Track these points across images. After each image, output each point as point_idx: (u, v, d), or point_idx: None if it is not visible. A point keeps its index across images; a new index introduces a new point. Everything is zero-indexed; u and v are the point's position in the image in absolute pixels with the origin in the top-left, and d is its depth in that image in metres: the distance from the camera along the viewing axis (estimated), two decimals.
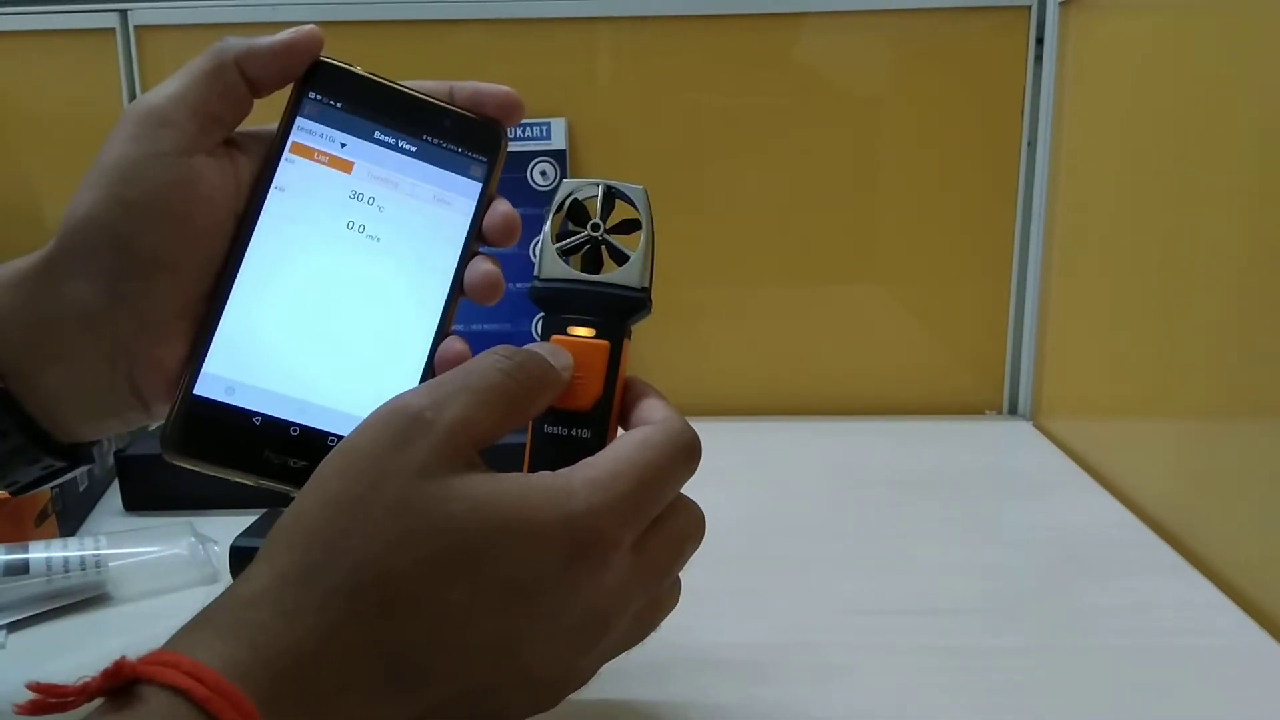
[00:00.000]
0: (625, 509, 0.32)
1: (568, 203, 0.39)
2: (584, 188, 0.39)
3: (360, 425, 0.32)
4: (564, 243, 0.39)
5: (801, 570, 0.57)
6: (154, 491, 0.66)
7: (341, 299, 0.39)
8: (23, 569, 0.51)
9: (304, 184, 0.39)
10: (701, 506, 0.36)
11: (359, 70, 0.40)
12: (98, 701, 0.27)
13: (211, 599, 0.30)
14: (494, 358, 0.34)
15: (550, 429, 0.37)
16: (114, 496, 0.67)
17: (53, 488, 0.59)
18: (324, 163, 0.39)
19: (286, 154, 0.39)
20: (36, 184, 0.89)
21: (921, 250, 0.87)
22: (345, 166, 0.39)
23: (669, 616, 0.37)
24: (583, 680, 0.35)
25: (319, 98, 0.39)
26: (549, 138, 0.85)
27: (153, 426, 0.41)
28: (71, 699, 0.26)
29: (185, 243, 0.37)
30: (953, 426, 0.85)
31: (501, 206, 0.41)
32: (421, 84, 0.41)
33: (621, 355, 0.37)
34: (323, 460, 0.32)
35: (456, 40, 0.85)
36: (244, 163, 0.39)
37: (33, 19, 0.86)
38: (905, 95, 0.85)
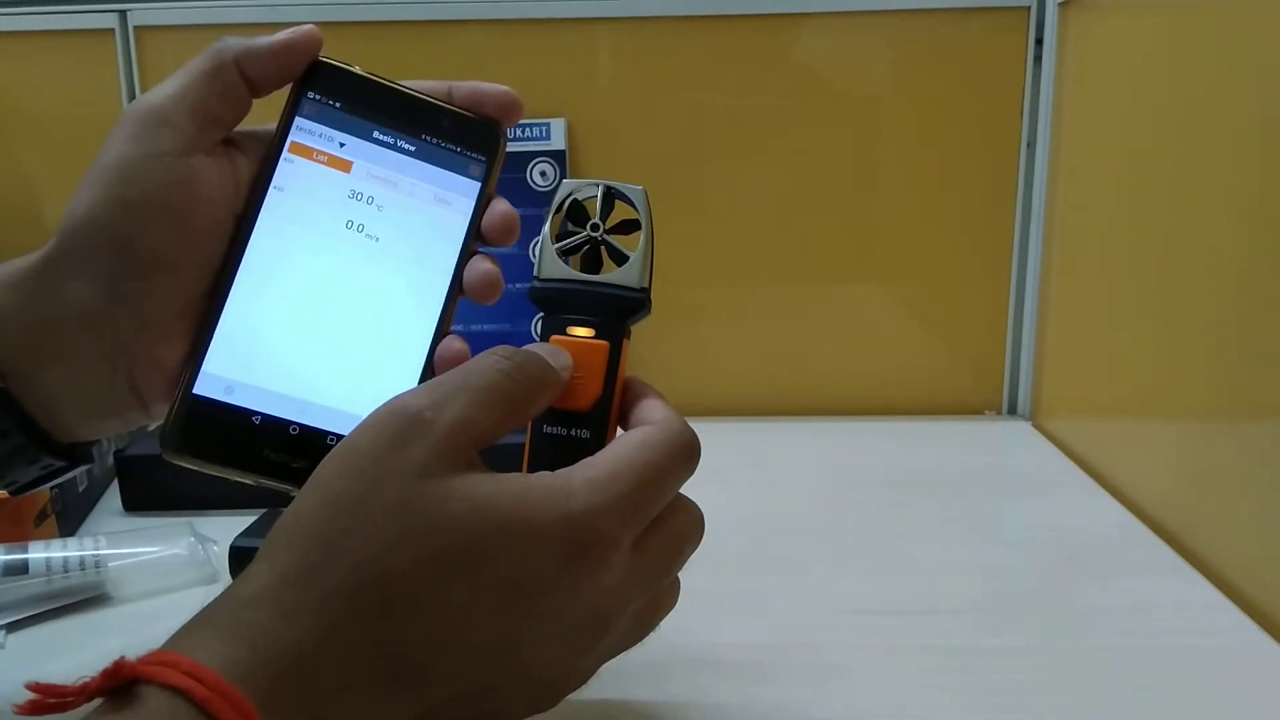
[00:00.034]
0: (624, 509, 0.32)
1: (567, 203, 0.39)
2: (584, 188, 0.39)
3: (360, 425, 0.32)
4: (563, 243, 0.39)
5: (801, 570, 0.57)
6: (153, 491, 0.66)
7: (341, 298, 0.39)
8: (22, 569, 0.51)
9: (303, 183, 0.39)
10: (701, 506, 0.36)
11: (358, 70, 0.40)
12: (97, 701, 0.27)
13: (211, 599, 0.30)
14: (493, 358, 0.34)
15: (549, 429, 0.37)
16: (113, 496, 0.67)
17: (52, 487, 0.59)
18: (323, 162, 0.39)
19: (285, 154, 0.39)
20: (36, 184, 0.89)
21: (921, 250, 0.87)
22: (344, 166, 0.39)
23: (668, 616, 0.37)
24: (582, 680, 0.35)
25: (318, 97, 0.39)
26: (548, 138, 0.85)
27: (152, 427, 0.41)
28: (71, 699, 0.26)
29: (185, 242, 0.37)
30: (952, 427, 0.85)
31: (500, 206, 0.41)
32: (420, 84, 0.41)
33: (621, 355, 0.37)
34: (322, 460, 0.32)
35: (456, 40, 0.85)
36: (243, 162, 0.39)
37: (32, 19, 0.86)
38: (905, 95, 0.85)
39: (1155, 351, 0.66)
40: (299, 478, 0.36)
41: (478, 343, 0.37)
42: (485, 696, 0.32)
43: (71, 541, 0.54)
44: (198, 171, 0.37)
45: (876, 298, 0.88)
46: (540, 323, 0.38)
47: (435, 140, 0.40)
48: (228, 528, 0.54)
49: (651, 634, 0.36)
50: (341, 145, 0.39)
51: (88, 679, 0.26)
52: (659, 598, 0.36)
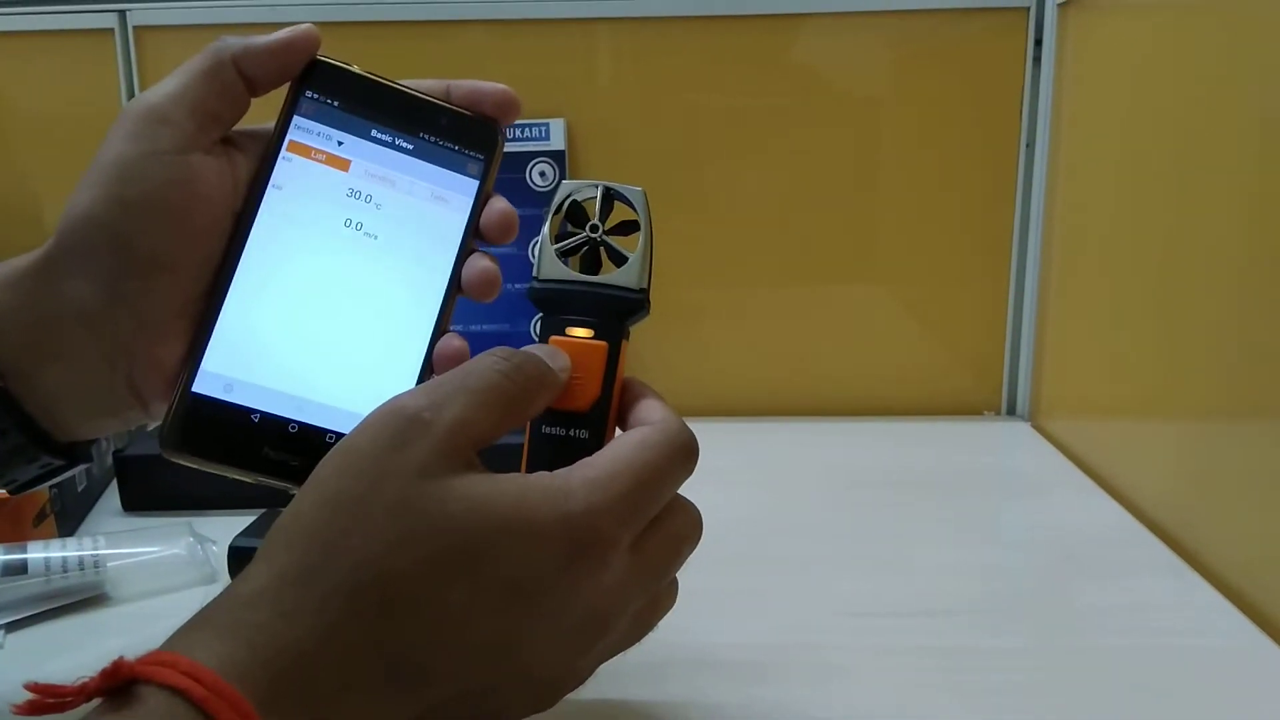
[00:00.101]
0: (623, 509, 0.32)
1: (567, 204, 0.39)
2: (583, 189, 0.39)
3: (358, 426, 0.32)
4: (563, 244, 0.39)
5: (800, 571, 0.57)
6: (152, 491, 0.66)
7: (339, 296, 0.39)
8: (21, 569, 0.51)
9: (301, 182, 0.39)
10: (700, 507, 0.36)
11: (356, 69, 0.40)
12: (96, 701, 0.27)
13: (210, 599, 0.30)
14: (492, 359, 0.34)
15: (548, 429, 0.37)
16: (112, 496, 0.67)
17: (51, 487, 0.59)
18: (321, 161, 0.39)
19: (284, 152, 0.39)
20: (35, 184, 0.89)
21: (920, 251, 0.87)
22: (342, 164, 0.39)
23: (667, 616, 0.37)
24: (581, 680, 0.35)
25: (316, 96, 0.39)
26: (548, 138, 0.85)
27: (151, 426, 0.41)
28: (70, 699, 0.26)
29: (183, 241, 0.37)
30: (951, 427, 0.85)
31: (499, 204, 0.41)
32: (419, 82, 0.41)
33: (620, 356, 0.37)
34: (321, 461, 0.32)
35: (456, 40, 0.85)
36: (242, 161, 0.39)
37: (32, 19, 0.86)
38: (904, 96, 0.85)
39: (1154, 352, 0.66)
40: (298, 475, 0.36)
41: (477, 343, 0.37)
42: (485, 696, 0.32)
43: (70, 541, 0.54)
44: (196, 170, 0.37)
45: (876, 298, 0.88)
46: (539, 323, 0.38)
47: (433, 139, 0.40)
48: (227, 528, 0.54)
49: (650, 634, 0.36)
50: (340, 144, 0.40)
51: (86, 679, 0.26)
52: (658, 598, 0.36)
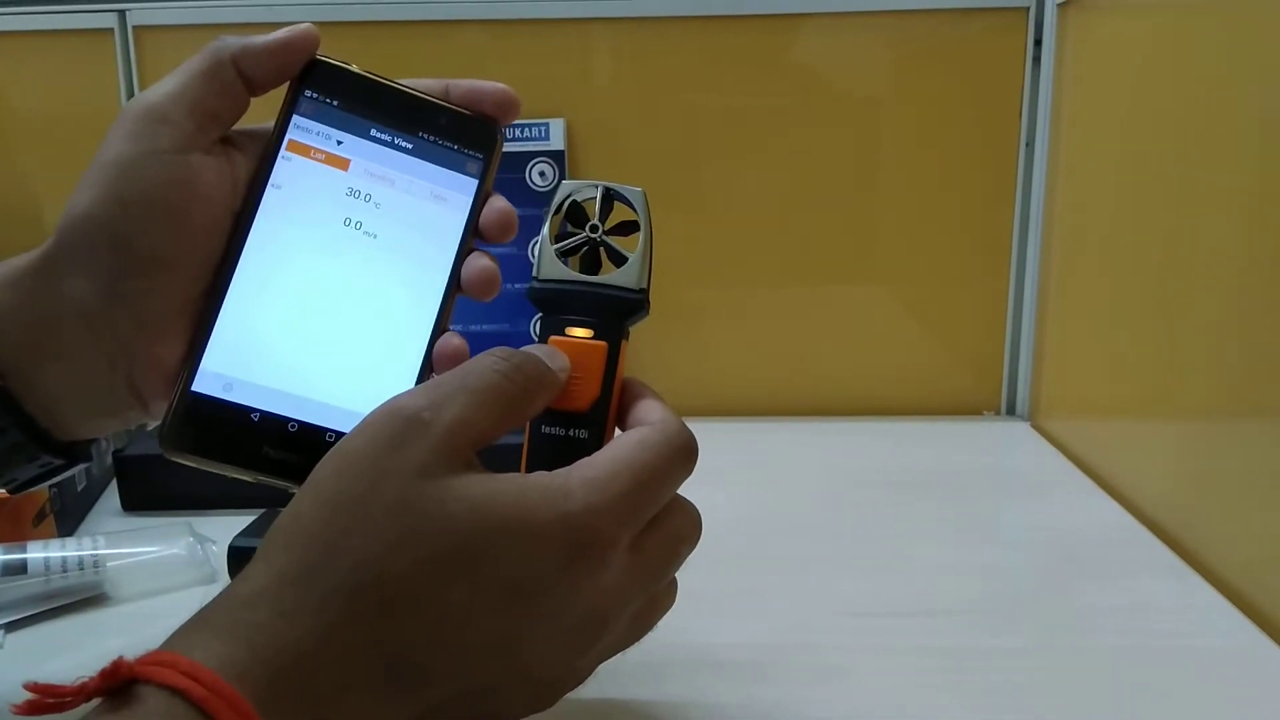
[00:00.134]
0: (622, 509, 0.32)
1: (566, 204, 0.39)
2: (583, 189, 0.39)
3: (358, 427, 0.32)
4: (563, 244, 0.39)
5: (800, 571, 0.57)
6: (152, 491, 0.66)
7: (339, 295, 0.39)
8: (21, 569, 0.51)
9: (301, 181, 0.39)
10: (699, 507, 0.36)
11: (355, 68, 0.40)
12: (95, 701, 0.27)
13: (210, 599, 0.30)
14: (491, 359, 0.34)
15: (548, 429, 0.37)
16: (112, 496, 0.67)
17: (50, 486, 0.59)
18: (320, 160, 0.39)
19: (283, 152, 0.39)
20: (35, 184, 0.89)
21: (920, 251, 0.87)
22: (342, 164, 0.39)
23: (666, 616, 0.37)
24: (580, 679, 0.35)
25: (315, 96, 0.39)
26: (547, 138, 0.85)
27: (151, 426, 0.41)
28: (69, 699, 0.26)
29: (183, 240, 0.37)
30: (951, 427, 0.85)
31: (498, 202, 0.41)
32: (418, 82, 0.41)
33: (619, 356, 0.37)
34: (320, 461, 0.32)
35: (455, 40, 0.85)
36: (241, 161, 0.39)
37: (31, 19, 0.86)
38: (904, 96, 0.85)
39: (1154, 352, 0.66)
40: (298, 474, 0.36)
41: (477, 343, 0.37)
42: (484, 696, 0.32)
43: (70, 541, 0.54)
44: (196, 169, 0.37)
45: (875, 298, 0.88)
46: (539, 323, 0.38)
47: (433, 138, 0.40)
48: (226, 527, 0.54)
49: (649, 634, 0.36)
50: (339, 143, 0.40)
51: (86, 679, 0.26)
52: (657, 598, 0.36)
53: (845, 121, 0.85)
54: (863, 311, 0.88)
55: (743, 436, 0.82)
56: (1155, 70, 0.66)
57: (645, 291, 0.38)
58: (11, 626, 0.50)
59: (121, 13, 0.86)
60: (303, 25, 0.39)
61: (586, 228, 0.39)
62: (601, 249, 0.39)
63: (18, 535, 0.55)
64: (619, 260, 0.38)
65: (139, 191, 0.36)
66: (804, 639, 0.49)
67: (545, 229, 0.39)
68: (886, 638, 0.49)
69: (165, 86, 0.37)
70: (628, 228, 0.39)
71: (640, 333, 0.38)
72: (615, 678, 0.41)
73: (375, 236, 0.40)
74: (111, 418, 0.39)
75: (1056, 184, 0.82)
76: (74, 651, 0.48)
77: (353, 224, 0.39)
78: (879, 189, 0.86)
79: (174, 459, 0.37)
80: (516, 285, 0.81)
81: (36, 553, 0.52)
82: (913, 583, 0.55)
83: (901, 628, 0.50)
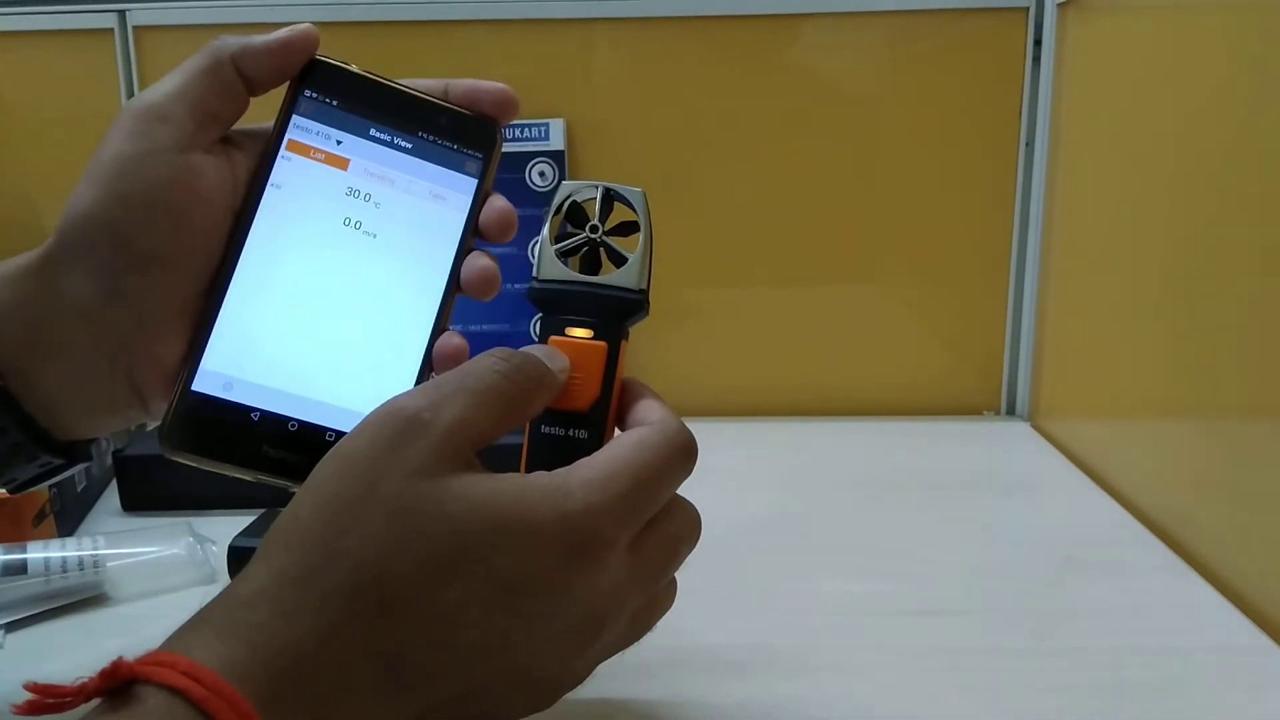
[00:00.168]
0: (621, 509, 0.32)
1: (566, 204, 0.39)
2: (583, 190, 0.39)
3: (357, 427, 0.32)
4: (563, 244, 0.39)
5: (799, 570, 0.57)
6: (152, 491, 0.66)
7: (339, 295, 0.39)
8: (21, 569, 0.51)
9: (300, 181, 0.39)
10: (699, 507, 0.36)
11: (354, 68, 0.40)
12: (95, 701, 0.27)
13: (210, 599, 0.30)
14: (491, 359, 0.34)
15: (548, 429, 0.37)
16: (112, 496, 0.67)
17: (50, 486, 0.59)
18: (320, 160, 0.39)
19: (283, 151, 0.39)
20: (35, 183, 0.89)
21: (920, 251, 0.87)
22: (341, 163, 0.39)
23: (665, 616, 0.37)
24: (579, 679, 0.35)
25: (315, 95, 0.39)
26: (547, 138, 0.85)
27: (151, 426, 0.41)
28: (69, 699, 0.26)
29: (183, 239, 0.37)
30: (951, 427, 0.85)
31: (498, 202, 0.41)
32: (417, 82, 0.41)
33: (619, 356, 0.37)
34: (320, 462, 0.32)
35: (455, 40, 0.85)
36: (241, 160, 0.39)
37: (31, 19, 0.86)
38: (904, 96, 0.85)
39: (1154, 352, 0.66)
40: (298, 474, 0.36)
41: (477, 343, 0.38)
42: (484, 696, 0.32)
43: (70, 541, 0.54)
44: (196, 169, 0.37)
45: (875, 298, 0.88)
46: (539, 323, 0.38)
47: (432, 137, 0.40)
48: (226, 528, 0.54)
49: (648, 634, 0.36)
50: (339, 143, 0.40)
51: (86, 679, 0.26)
52: (656, 598, 0.36)
53: (845, 121, 0.85)
54: (862, 311, 0.88)
55: (742, 437, 0.82)
56: (1155, 70, 0.66)
57: (645, 292, 0.38)
58: (11, 626, 0.50)
59: (121, 13, 0.86)
60: (302, 25, 0.39)
61: (586, 228, 0.39)
62: (601, 249, 0.39)
63: (18, 535, 0.55)
64: (619, 260, 0.38)
65: (139, 190, 0.36)
66: (803, 639, 0.49)
67: (545, 229, 0.39)
68: (886, 637, 0.49)
69: (165, 86, 0.37)
70: (628, 228, 0.39)
71: (640, 333, 0.38)
72: (614, 678, 0.41)
73: (375, 236, 0.40)
74: (111, 417, 0.39)
75: (1056, 184, 0.82)
76: (74, 652, 0.48)
77: (352, 223, 0.39)
78: (879, 189, 0.86)
79: (174, 458, 0.37)
80: (516, 285, 0.81)
81: (36, 553, 0.52)
82: (913, 583, 0.55)
83: (901, 627, 0.50)
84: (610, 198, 0.39)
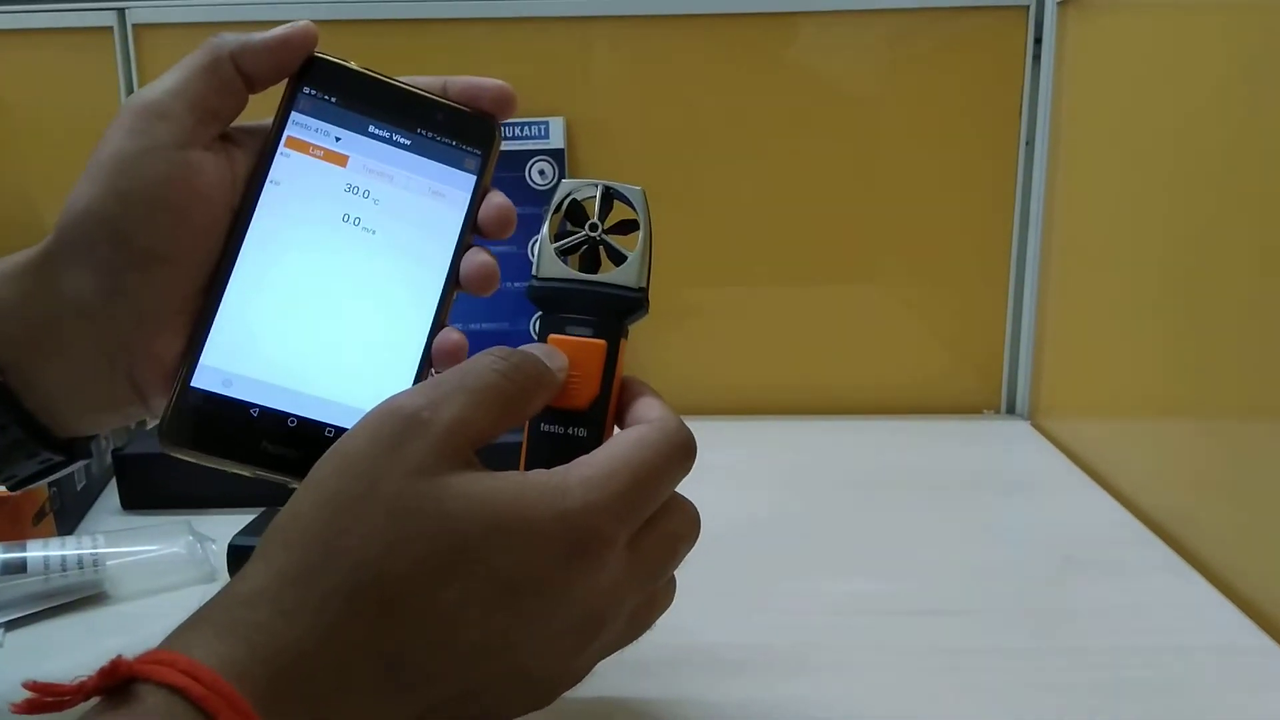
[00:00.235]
0: (620, 507, 0.32)
1: (566, 203, 0.39)
2: (582, 188, 0.39)
3: (356, 426, 0.32)
4: (562, 242, 0.39)
5: (799, 570, 0.57)
6: (152, 490, 0.66)
7: (338, 291, 0.39)
8: (20, 568, 0.51)
9: (299, 178, 0.39)
10: (698, 506, 0.36)
11: (353, 65, 0.40)
12: (94, 700, 0.27)
13: (209, 598, 0.30)
14: (490, 358, 0.34)
15: (547, 427, 0.37)
16: (112, 495, 0.67)
17: (50, 485, 0.59)
18: (319, 157, 0.39)
19: (282, 148, 0.39)
20: (34, 181, 0.89)
21: (920, 250, 0.87)
22: (340, 160, 0.39)
23: (664, 615, 0.37)
24: (578, 678, 0.35)
25: (313, 93, 0.39)
26: (547, 137, 0.85)
27: (150, 425, 0.41)
28: (68, 698, 0.26)
29: (182, 236, 0.37)
30: (951, 426, 0.85)
31: (496, 198, 0.41)
32: (416, 79, 0.41)
33: (618, 355, 0.37)
34: (319, 460, 0.32)
35: (455, 39, 0.85)
36: (240, 157, 0.39)
37: (31, 17, 0.86)
38: (903, 95, 0.85)
39: (1154, 351, 0.66)
40: (297, 469, 0.36)
41: (476, 341, 0.37)
42: (483, 695, 0.32)
43: (70, 540, 0.54)
44: (195, 166, 0.37)
45: (875, 297, 0.88)
46: (538, 321, 0.38)
47: (431, 134, 0.40)
48: (226, 526, 0.54)
49: (647, 632, 0.36)
50: (337, 139, 0.40)
51: (85, 678, 0.26)
52: (655, 596, 0.36)
53: (845, 120, 0.85)
54: (862, 311, 0.88)
55: (742, 435, 0.82)
56: (1155, 69, 0.66)
57: (644, 290, 0.38)
58: (11, 625, 0.50)
59: (121, 11, 0.86)
60: (301, 22, 0.39)
61: (586, 226, 0.39)
62: (601, 248, 0.39)
63: (17, 534, 0.55)
64: (618, 259, 0.38)
65: (138, 187, 0.36)
66: (803, 638, 0.49)
67: (545, 227, 0.39)
68: (886, 637, 0.49)
69: (165, 83, 0.37)
70: (627, 226, 0.39)
71: (640, 332, 0.38)
72: (613, 676, 0.41)
73: (374, 232, 0.40)
74: (111, 414, 0.39)
75: (1056, 183, 0.82)
76: (73, 650, 0.48)
77: (351, 220, 0.39)
78: (879, 188, 0.86)
79: (173, 454, 0.37)
80: (516, 284, 0.81)
81: (36, 551, 0.52)
82: (912, 582, 0.55)
83: (901, 627, 0.50)
84: (610, 196, 0.39)
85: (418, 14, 0.85)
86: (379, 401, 0.33)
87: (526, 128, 0.85)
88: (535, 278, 0.38)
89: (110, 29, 0.86)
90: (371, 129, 0.40)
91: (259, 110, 0.40)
